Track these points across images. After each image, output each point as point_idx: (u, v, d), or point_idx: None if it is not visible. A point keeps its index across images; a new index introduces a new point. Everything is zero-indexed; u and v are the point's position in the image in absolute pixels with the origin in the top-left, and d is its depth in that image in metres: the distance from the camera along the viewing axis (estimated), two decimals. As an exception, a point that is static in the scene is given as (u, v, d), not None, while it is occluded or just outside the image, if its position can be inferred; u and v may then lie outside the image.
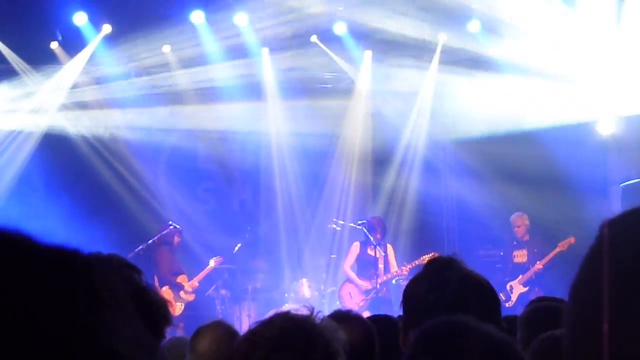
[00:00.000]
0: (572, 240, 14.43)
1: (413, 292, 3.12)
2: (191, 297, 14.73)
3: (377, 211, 16.66)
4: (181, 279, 14.71)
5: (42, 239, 1.18)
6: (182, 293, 14.64)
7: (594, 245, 1.41)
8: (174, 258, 14.78)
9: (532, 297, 13.49)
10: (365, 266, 14.62)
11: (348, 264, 14.89)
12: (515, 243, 15.05)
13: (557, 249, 14.51)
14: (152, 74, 16.64)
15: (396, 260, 14.70)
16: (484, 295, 3.06)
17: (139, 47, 15.70)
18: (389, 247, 14.83)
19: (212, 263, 15.08)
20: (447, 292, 3.00)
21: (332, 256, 16.35)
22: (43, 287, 1.12)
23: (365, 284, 14.58)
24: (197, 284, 14.85)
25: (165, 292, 14.38)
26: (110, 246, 14.55)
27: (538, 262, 14.58)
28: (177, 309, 14.48)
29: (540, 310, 4.69)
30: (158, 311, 2.38)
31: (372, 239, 14.39)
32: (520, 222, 15.02)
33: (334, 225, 16.14)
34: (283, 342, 2.77)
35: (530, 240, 14.92)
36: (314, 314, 2.90)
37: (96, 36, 15.77)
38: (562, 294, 5.27)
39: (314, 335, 2.80)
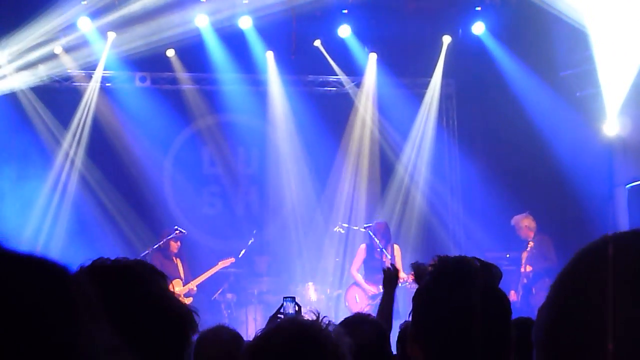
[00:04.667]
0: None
1: (425, 303, 3.05)
2: (187, 301, 14.58)
3: (383, 213, 16.65)
4: (174, 284, 14.58)
5: (13, 245, 1.15)
6: None
7: (595, 257, 1.40)
8: (168, 263, 14.61)
9: (530, 299, 13.52)
10: (372, 270, 14.50)
11: (355, 267, 14.83)
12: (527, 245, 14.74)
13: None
14: (157, 78, 16.69)
15: (403, 262, 14.62)
16: (498, 310, 3.01)
17: (142, 51, 15.71)
18: (397, 249, 14.68)
19: (220, 264, 15.00)
20: (462, 309, 2.94)
21: (336, 259, 16.31)
22: (18, 299, 1.08)
23: (372, 289, 14.50)
24: (195, 288, 14.71)
25: None
26: (116, 249, 14.61)
27: (528, 266, 14.41)
28: None
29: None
30: (185, 318, 2.37)
31: (378, 242, 14.33)
32: (521, 224, 14.76)
33: (339, 229, 16.08)
34: (292, 347, 2.78)
35: (534, 240, 14.66)
36: (320, 319, 2.90)
37: (100, 43, 15.84)
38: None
39: (321, 340, 2.80)
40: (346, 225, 16.14)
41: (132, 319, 2.20)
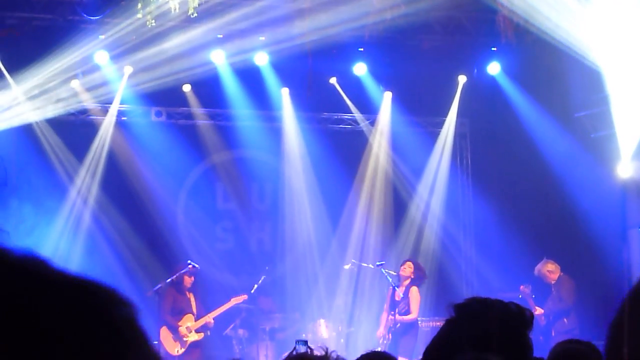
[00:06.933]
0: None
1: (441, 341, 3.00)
2: (198, 336, 14.57)
3: (396, 251, 16.64)
4: (186, 318, 14.55)
5: (60, 266, 1.07)
6: (182, 330, 14.47)
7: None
8: (181, 298, 14.63)
9: (550, 342, 13.37)
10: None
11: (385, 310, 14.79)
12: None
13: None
14: (172, 113, 16.73)
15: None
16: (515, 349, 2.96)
17: (159, 86, 15.75)
18: (413, 290, 14.37)
19: (233, 301, 14.96)
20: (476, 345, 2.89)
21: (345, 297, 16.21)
22: (64, 326, 1.02)
23: (379, 332, 14.47)
24: (212, 321, 14.70)
25: (163, 332, 14.34)
26: (130, 284, 14.61)
27: (538, 308, 14.27)
28: (174, 349, 14.41)
29: (568, 352, 4.66)
30: None
31: (390, 280, 14.27)
32: (543, 271, 14.58)
33: (351, 266, 16.06)
34: None
35: (556, 280, 14.54)
36: (329, 353, 2.92)
37: (117, 77, 15.90)
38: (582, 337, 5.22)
39: None
40: (362, 263, 16.09)
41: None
